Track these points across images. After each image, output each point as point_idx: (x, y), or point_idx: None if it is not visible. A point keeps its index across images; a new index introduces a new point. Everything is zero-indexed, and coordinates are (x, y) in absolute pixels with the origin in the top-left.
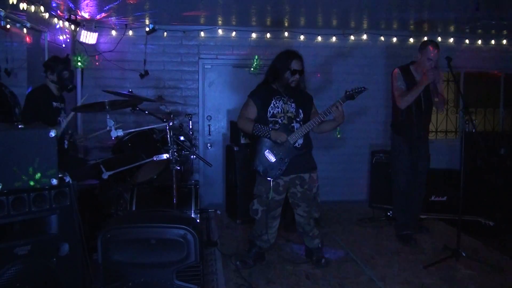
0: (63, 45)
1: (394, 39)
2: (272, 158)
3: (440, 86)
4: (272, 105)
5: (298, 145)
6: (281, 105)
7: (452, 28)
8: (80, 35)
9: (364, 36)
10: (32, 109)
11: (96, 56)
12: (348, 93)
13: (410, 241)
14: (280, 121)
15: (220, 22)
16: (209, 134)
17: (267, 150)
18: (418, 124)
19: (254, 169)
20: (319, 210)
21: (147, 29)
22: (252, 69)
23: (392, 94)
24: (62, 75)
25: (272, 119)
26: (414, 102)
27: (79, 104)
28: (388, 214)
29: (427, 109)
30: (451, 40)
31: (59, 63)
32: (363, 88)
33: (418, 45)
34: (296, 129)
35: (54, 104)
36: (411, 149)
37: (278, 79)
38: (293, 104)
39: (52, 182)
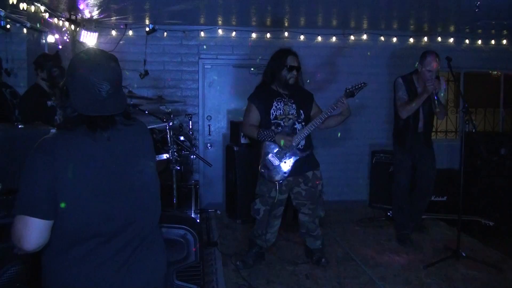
0: (63, 45)
1: (394, 39)
2: (276, 162)
3: (443, 95)
4: (274, 107)
5: (301, 146)
6: (282, 106)
7: (452, 28)
8: (80, 35)
9: (364, 36)
10: (27, 111)
11: None
12: (348, 90)
13: (406, 241)
14: (282, 123)
15: (220, 22)
16: (209, 134)
17: (271, 154)
18: (418, 131)
19: (260, 171)
20: (324, 209)
21: (147, 29)
22: None
23: (394, 103)
24: (51, 72)
25: (274, 121)
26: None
27: None
28: (388, 214)
29: (428, 117)
30: (451, 40)
31: (48, 60)
32: (363, 84)
33: (418, 45)
34: (299, 130)
35: (49, 103)
36: (412, 154)
37: (276, 79)
38: (293, 105)
39: None
